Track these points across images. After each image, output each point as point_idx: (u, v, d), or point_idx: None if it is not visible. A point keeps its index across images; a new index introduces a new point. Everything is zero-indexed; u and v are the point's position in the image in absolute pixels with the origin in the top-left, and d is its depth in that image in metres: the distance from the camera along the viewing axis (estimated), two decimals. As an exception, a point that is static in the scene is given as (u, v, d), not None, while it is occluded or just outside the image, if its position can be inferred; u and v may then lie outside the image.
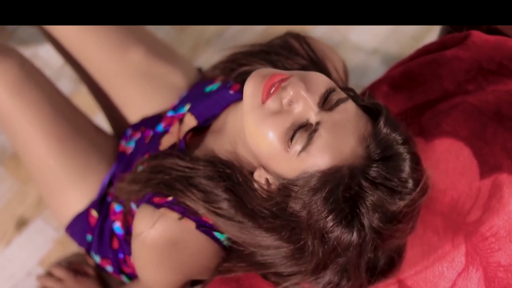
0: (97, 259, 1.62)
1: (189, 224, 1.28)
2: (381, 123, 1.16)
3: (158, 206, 1.30)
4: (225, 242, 1.31)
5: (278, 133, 1.13)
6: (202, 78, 1.58)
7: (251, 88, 1.17)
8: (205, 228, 1.29)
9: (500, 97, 1.45)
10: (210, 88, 1.49)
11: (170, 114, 1.52)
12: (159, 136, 1.48)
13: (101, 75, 1.67)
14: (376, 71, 2.03)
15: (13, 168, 1.89)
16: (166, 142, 1.44)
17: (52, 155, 1.54)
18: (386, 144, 1.15)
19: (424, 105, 1.50)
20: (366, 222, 1.13)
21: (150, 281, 1.41)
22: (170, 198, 1.30)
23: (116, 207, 1.53)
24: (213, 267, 1.35)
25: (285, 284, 1.28)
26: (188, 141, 1.40)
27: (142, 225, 1.29)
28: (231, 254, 1.33)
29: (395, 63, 1.70)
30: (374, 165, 1.13)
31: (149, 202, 1.31)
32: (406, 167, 1.14)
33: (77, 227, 1.60)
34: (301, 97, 1.14)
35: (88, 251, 1.62)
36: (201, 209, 1.26)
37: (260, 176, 1.21)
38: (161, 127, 1.50)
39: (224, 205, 1.24)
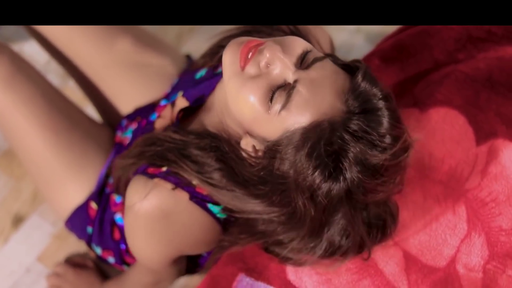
0: (99, 251, 1.61)
1: (183, 195, 1.28)
2: (359, 76, 1.17)
3: (152, 176, 1.29)
4: (219, 215, 1.32)
5: (258, 95, 1.14)
6: (192, 67, 1.58)
7: (229, 57, 1.18)
8: (199, 199, 1.29)
9: (491, 64, 1.46)
10: (199, 74, 1.49)
11: (163, 103, 1.52)
12: (153, 122, 1.48)
13: (89, 68, 1.66)
14: (361, 49, 2.04)
15: (6, 165, 1.88)
16: (159, 125, 1.44)
17: (48, 148, 1.53)
18: (365, 98, 1.15)
19: (416, 76, 1.51)
20: (348, 175, 1.14)
21: (143, 256, 1.40)
22: (164, 169, 1.30)
23: (117, 198, 1.52)
24: (207, 242, 1.36)
25: (286, 251, 1.29)
26: (181, 121, 1.41)
27: (135, 195, 1.29)
28: (230, 228, 1.33)
29: (381, 39, 1.71)
30: (354, 118, 1.14)
31: (143, 172, 1.31)
32: (385, 122, 1.14)
33: (77, 220, 1.59)
34: (277, 58, 1.15)
35: (89, 243, 1.61)
36: (194, 179, 1.27)
37: (247, 144, 1.22)
38: (155, 115, 1.50)
39: (216, 175, 1.25)
